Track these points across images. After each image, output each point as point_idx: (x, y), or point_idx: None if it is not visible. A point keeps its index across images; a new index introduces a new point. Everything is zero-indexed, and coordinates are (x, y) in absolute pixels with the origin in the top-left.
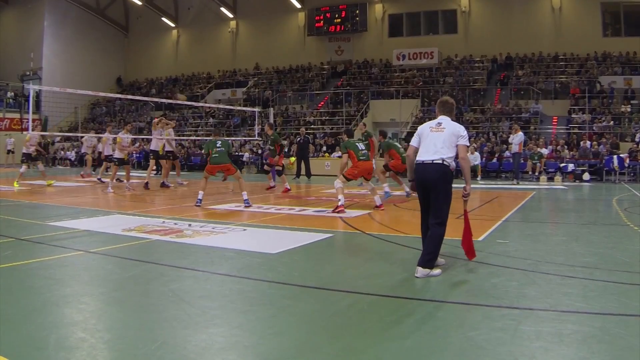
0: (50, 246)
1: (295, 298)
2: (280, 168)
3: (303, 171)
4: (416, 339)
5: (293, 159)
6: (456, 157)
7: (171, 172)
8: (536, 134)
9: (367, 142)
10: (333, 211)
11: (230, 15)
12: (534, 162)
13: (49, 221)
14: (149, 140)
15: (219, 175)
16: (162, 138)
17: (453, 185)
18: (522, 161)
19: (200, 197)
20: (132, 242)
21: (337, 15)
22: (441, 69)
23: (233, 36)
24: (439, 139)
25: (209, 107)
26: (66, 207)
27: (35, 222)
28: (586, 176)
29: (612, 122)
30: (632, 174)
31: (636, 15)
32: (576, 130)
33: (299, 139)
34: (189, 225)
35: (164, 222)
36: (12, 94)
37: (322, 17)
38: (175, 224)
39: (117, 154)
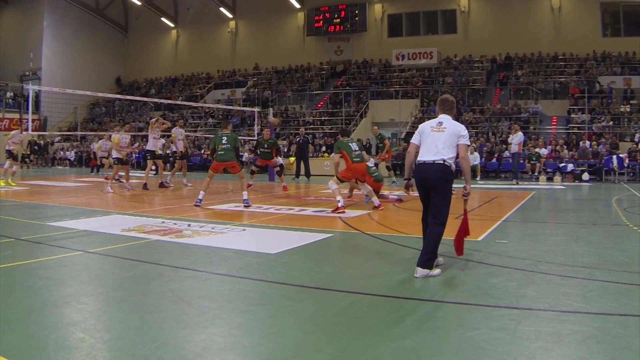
0: (49, 246)
1: (294, 298)
2: (279, 168)
3: (302, 171)
4: (415, 339)
5: (292, 159)
6: (457, 156)
7: (177, 172)
8: (535, 134)
9: (381, 144)
10: (333, 211)
11: (230, 16)
12: (532, 162)
13: (48, 221)
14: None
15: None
16: (159, 138)
17: (453, 186)
18: (522, 161)
19: (200, 197)
20: (131, 242)
21: (336, 15)
22: (440, 69)
23: (232, 36)
24: (440, 140)
25: (208, 107)
26: (66, 208)
27: (34, 222)
28: (585, 176)
29: (611, 122)
30: (631, 174)
31: (636, 15)
32: (575, 130)
33: (298, 139)
34: (189, 225)
35: (163, 222)
36: (12, 94)
37: (321, 17)
38: (175, 224)
39: (115, 154)
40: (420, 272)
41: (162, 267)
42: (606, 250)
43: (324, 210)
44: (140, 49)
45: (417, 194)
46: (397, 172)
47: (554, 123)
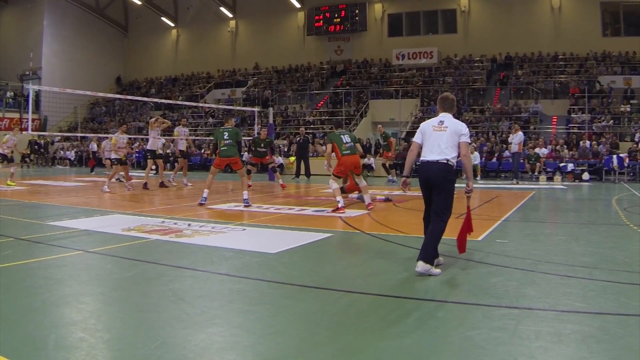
0: (49, 246)
1: (294, 298)
2: (279, 168)
3: (303, 171)
4: (415, 339)
5: (293, 158)
6: (458, 154)
7: (178, 172)
8: (536, 134)
9: (386, 143)
10: (333, 211)
11: (230, 15)
12: (531, 162)
13: (48, 221)
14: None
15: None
16: (159, 138)
17: (455, 185)
18: (522, 161)
19: (205, 195)
20: (131, 242)
21: (336, 15)
22: (441, 69)
23: (232, 36)
24: (442, 139)
25: (209, 107)
26: (66, 207)
27: (34, 221)
28: (585, 176)
29: (611, 121)
30: (631, 174)
31: (636, 15)
32: (576, 130)
33: (298, 138)
34: (189, 225)
35: (163, 221)
36: (12, 93)
37: (321, 17)
38: (175, 223)
39: (114, 155)
40: (422, 266)
41: (162, 267)
42: (606, 250)
43: (324, 210)
44: (140, 49)
45: (413, 193)
46: (397, 171)
47: (554, 123)
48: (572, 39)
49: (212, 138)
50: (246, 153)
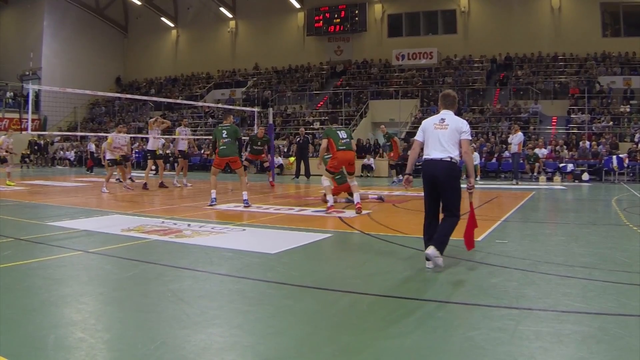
0: (49, 246)
1: (294, 298)
2: (268, 165)
3: (302, 171)
4: (415, 339)
5: (292, 158)
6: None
7: (181, 172)
8: (535, 134)
9: (389, 143)
10: (326, 212)
11: (230, 15)
12: (530, 162)
13: (48, 221)
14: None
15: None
16: (159, 137)
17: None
18: (521, 161)
19: (213, 196)
20: (131, 242)
21: (336, 15)
22: (440, 69)
23: (232, 36)
24: (444, 137)
25: (208, 107)
26: (65, 207)
27: (34, 222)
28: (585, 176)
29: (611, 122)
30: (631, 174)
31: (636, 16)
32: (575, 131)
33: (298, 139)
34: (188, 225)
35: (163, 222)
36: (12, 93)
37: (321, 17)
38: (175, 224)
39: (109, 155)
40: (432, 250)
41: (161, 267)
42: (606, 251)
43: (324, 210)
44: (140, 49)
45: (412, 193)
46: (398, 171)
47: (554, 123)
48: (572, 40)
49: (212, 138)
50: (245, 153)
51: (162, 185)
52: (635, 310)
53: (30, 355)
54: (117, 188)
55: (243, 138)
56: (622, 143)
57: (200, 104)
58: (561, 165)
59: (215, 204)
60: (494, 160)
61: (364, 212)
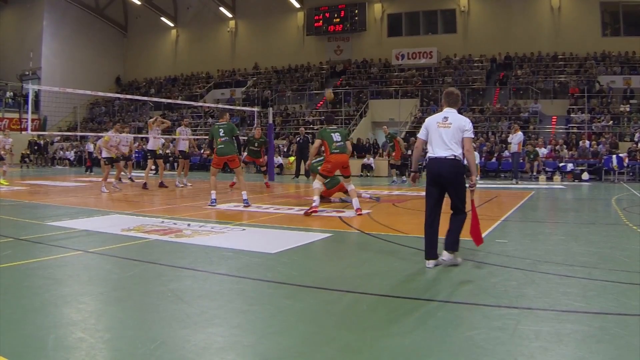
0: (49, 246)
1: (294, 298)
2: (266, 167)
3: (302, 171)
4: (415, 339)
5: (292, 158)
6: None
7: (182, 172)
8: (535, 134)
9: (392, 143)
10: (305, 213)
11: (230, 15)
12: (530, 159)
13: (47, 221)
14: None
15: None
16: (159, 137)
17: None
18: (521, 161)
19: (213, 197)
20: (131, 242)
21: (336, 15)
22: (440, 69)
23: (232, 36)
24: (447, 135)
25: (208, 107)
26: (65, 207)
27: (34, 222)
28: (585, 176)
29: (611, 121)
30: (631, 174)
31: (635, 15)
32: (575, 130)
33: (298, 138)
34: (188, 225)
35: (163, 221)
36: (11, 93)
37: (321, 17)
38: (175, 223)
39: (105, 153)
40: (447, 255)
41: (161, 267)
42: (606, 250)
43: (324, 210)
44: (139, 49)
45: (412, 192)
46: (397, 172)
47: (554, 123)
48: (572, 39)
49: (208, 136)
50: (245, 153)
51: (162, 185)
52: (635, 309)
53: (31, 355)
54: (122, 186)
55: (241, 138)
56: (621, 142)
57: (200, 104)
58: (561, 164)
59: (215, 205)
60: (493, 159)
61: (363, 211)
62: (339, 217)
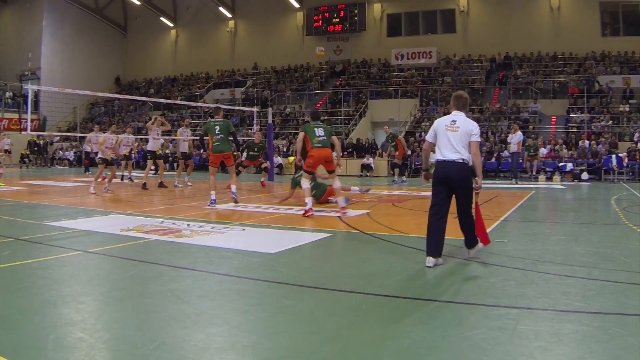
0: (48, 246)
1: (294, 298)
2: (266, 170)
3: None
4: (415, 339)
5: (292, 158)
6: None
7: (182, 172)
8: (535, 134)
9: (394, 143)
10: (304, 215)
11: (229, 15)
12: (530, 154)
13: (47, 221)
14: (147, 141)
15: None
16: (158, 138)
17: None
18: (521, 160)
19: (213, 197)
20: (130, 242)
21: (335, 15)
22: (440, 69)
23: (232, 36)
24: (455, 139)
25: (207, 107)
26: (64, 207)
27: (33, 222)
28: (585, 176)
29: (610, 121)
30: (630, 174)
31: (635, 15)
32: (575, 130)
33: (297, 138)
34: (188, 225)
35: (162, 222)
36: (11, 93)
37: (320, 17)
38: (174, 223)
39: (101, 155)
40: (471, 252)
41: (161, 267)
42: (605, 250)
43: (324, 210)
44: (139, 49)
45: (412, 192)
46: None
47: (553, 122)
48: (571, 39)
49: (202, 131)
50: (245, 153)
51: (161, 185)
52: (634, 309)
53: (30, 355)
54: (127, 186)
55: (240, 138)
56: (621, 142)
57: (199, 104)
58: (560, 164)
59: (215, 205)
60: (493, 159)
61: (364, 211)
62: (339, 217)
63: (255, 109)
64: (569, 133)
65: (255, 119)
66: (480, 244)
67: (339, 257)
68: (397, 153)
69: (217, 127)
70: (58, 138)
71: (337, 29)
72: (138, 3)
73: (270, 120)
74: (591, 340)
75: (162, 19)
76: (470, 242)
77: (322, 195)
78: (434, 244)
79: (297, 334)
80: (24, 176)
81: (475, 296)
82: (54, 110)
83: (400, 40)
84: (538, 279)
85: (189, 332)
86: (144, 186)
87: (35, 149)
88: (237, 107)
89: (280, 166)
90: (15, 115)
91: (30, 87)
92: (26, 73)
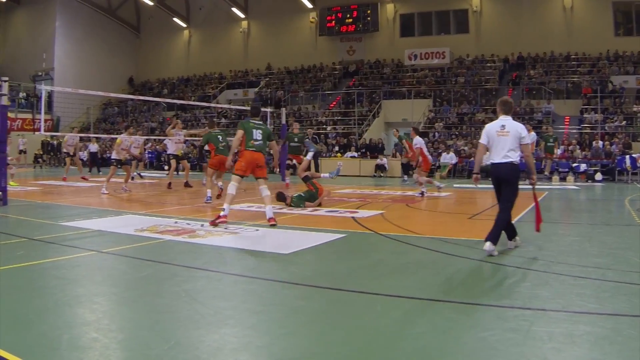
0: (62, 246)
1: (307, 298)
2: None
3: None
4: (428, 340)
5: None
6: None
7: (177, 172)
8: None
9: (403, 145)
10: (211, 223)
11: (242, 16)
12: (549, 144)
13: (61, 221)
14: (161, 142)
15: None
16: (180, 140)
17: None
18: (535, 161)
19: (209, 195)
20: (144, 242)
21: (348, 15)
22: (453, 69)
23: (245, 36)
24: (507, 143)
25: (221, 108)
26: (78, 207)
27: (47, 222)
28: (598, 176)
29: (624, 121)
30: None
31: None
32: (588, 130)
33: (306, 139)
34: (202, 225)
35: (176, 222)
36: (24, 94)
37: (333, 17)
38: (188, 224)
39: (115, 155)
40: (489, 245)
41: (175, 267)
42: (619, 251)
43: (337, 211)
44: (152, 49)
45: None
46: (409, 171)
47: (567, 123)
48: (584, 39)
49: (230, 139)
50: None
51: (187, 185)
52: None
53: (44, 355)
54: (137, 187)
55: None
56: (635, 143)
57: (212, 104)
58: (574, 165)
59: (210, 202)
60: None
61: (377, 212)
62: (353, 217)
63: (268, 110)
64: (582, 133)
65: (268, 120)
66: (497, 251)
67: (353, 258)
68: (408, 154)
69: (220, 136)
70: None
71: (350, 29)
72: (151, 3)
73: (283, 121)
74: (605, 342)
75: (175, 19)
76: (492, 235)
77: (316, 198)
78: (506, 231)
79: (311, 335)
80: (38, 176)
81: (489, 297)
82: (68, 111)
83: (413, 41)
84: (552, 280)
85: (203, 332)
86: (169, 186)
87: (49, 149)
88: (247, 108)
89: (294, 166)
90: (29, 116)
91: (43, 88)
92: (39, 73)
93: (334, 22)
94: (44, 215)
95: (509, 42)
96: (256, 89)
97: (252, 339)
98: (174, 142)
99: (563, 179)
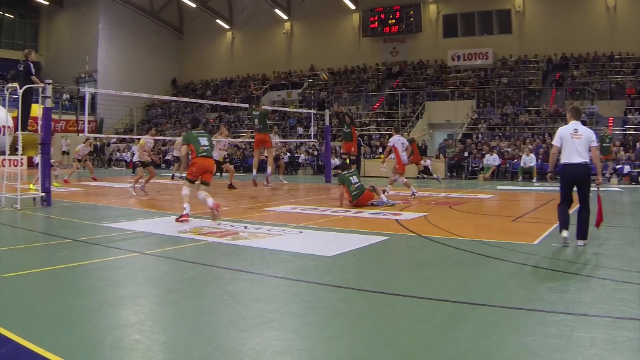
0: (106, 247)
1: (350, 301)
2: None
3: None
4: (470, 344)
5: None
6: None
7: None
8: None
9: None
10: (177, 220)
11: (285, 17)
12: (604, 144)
13: (104, 222)
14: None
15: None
16: (224, 147)
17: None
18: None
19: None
20: (187, 244)
21: (391, 16)
22: (496, 70)
23: (288, 37)
24: (580, 145)
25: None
26: (121, 209)
27: (90, 223)
28: None
29: None
30: None
31: None
32: (632, 132)
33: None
34: (245, 227)
35: (220, 224)
36: (68, 96)
37: (376, 18)
38: (232, 225)
39: (137, 157)
40: (582, 242)
41: (218, 269)
42: None
43: (381, 213)
44: (195, 51)
45: (470, 195)
46: (453, 173)
47: (611, 124)
48: (628, 39)
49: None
50: (302, 155)
51: (231, 186)
52: None
53: (87, 356)
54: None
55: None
56: None
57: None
58: (618, 166)
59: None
60: None
61: (421, 214)
62: (396, 220)
63: (312, 111)
64: (626, 134)
65: (312, 121)
66: (583, 241)
67: (396, 261)
68: (412, 157)
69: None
70: (115, 140)
71: (393, 30)
72: (193, 5)
73: (327, 122)
74: None
75: (218, 21)
76: (582, 234)
77: (359, 196)
78: (564, 221)
79: (352, 339)
80: (82, 177)
81: (531, 301)
82: (111, 112)
83: (456, 41)
84: (595, 285)
85: (245, 335)
86: (231, 186)
87: (92, 150)
88: (292, 109)
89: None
90: (73, 117)
91: (87, 90)
92: (83, 75)
93: (377, 23)
94: (88, 217)
95: (551, 43)
96: (299, 90)
97: (294, 342)
98: (218, 149)
99: (607, 181)
